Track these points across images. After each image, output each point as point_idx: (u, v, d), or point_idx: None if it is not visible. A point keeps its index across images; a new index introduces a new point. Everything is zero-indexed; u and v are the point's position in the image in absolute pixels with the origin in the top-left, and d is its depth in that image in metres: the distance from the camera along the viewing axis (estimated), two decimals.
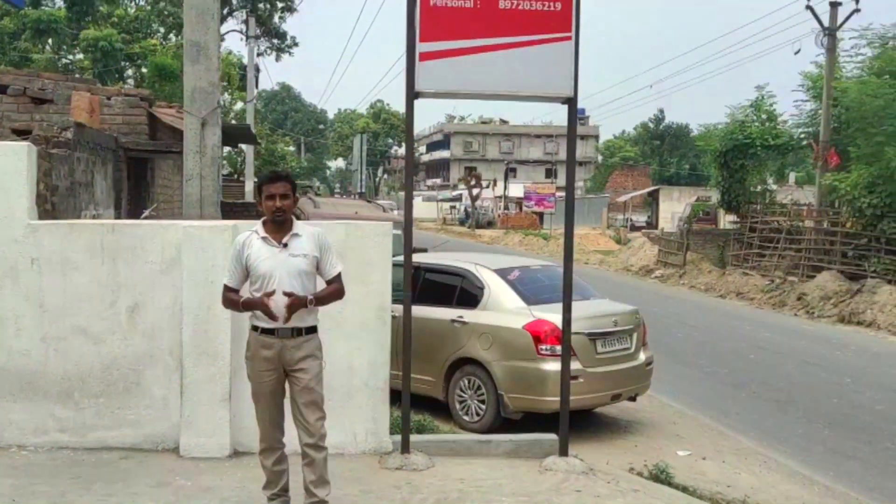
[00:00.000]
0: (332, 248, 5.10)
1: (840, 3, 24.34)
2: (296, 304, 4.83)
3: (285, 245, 4.96)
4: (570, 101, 6.22)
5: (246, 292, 4.99)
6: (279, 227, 5.00)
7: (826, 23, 24.26)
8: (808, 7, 24.50)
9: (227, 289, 5.03)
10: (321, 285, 5.08)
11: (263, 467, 5.15)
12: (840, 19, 24.30)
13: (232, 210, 18.00)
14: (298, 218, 5.49)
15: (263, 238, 4.98)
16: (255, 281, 4.92)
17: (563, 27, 6.09)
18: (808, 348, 14.74)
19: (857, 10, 24.11)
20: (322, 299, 5.00)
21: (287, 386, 5.02)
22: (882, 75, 21.68)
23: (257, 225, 5.11)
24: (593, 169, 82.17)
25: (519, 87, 6.18)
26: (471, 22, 5.96)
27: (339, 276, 5.07)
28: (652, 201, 55.81)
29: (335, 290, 5.08)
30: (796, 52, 25.00)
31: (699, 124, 48.17)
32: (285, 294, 4.82)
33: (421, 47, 5.90)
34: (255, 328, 4.98)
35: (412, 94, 6.03)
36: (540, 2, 6.06)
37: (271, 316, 4.83)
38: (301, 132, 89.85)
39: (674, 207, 47.92)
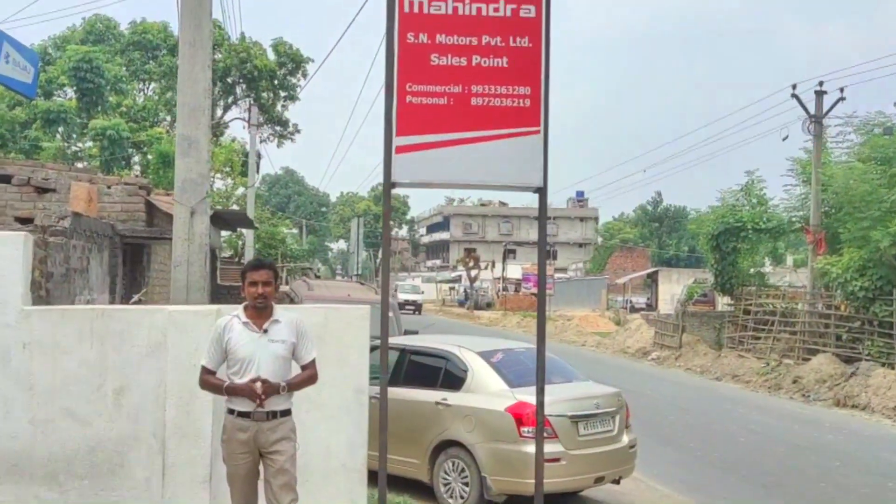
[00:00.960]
0: (308, 335, 5.34)
1: (825, 92, 25.12)
2: (268, 390, 5.04)
3: (266, 331, 5.19)
4: (541, 191, 6.51)
5: (223, 374, 5.19)
6: (260, 313, 5.25)
7: (812, 110, 24.99)
8: (794, 96, 25.28)
9: (204, 370, 5.24)
10: (296, 368, 5.29)
11: None
12: (825, 107, 25.02)
13: (229, 293, 18.28)
14: (292, 300, 5.76)
15: (245, 323, 5.22)
16: (233, 364, 5.12)
17: (533, 122, 6.42)
18: (801, 432, 14.73)
19: (843, 99, 24.88)
20: (294, 385, 5.22)
21: (261, 467, 5.17)
22: (868, 161, 22.22)
23: (238, 309, 5.35)
24: (593, 250, 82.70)
25: (491, 178, 6.48)
26: (444, 117, 6.29)
27: (313, 362, 5.29)
28: (651, 283, 56.10)
29: (308, 377, 5.30)
30: (784, 139, 25.63)
31: (692, 208, 49.08)
32: (260, 381, 5.03)
33: (397, 141, 6.22)
34: (230, 411, 5.17)
35: (389, 185, 6.35)
36: (510, 98, 6.40)
37: (258, 398, 5.02)
38: (304, 215, 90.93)
39: (673, 289, 48.21)
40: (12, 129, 34.98)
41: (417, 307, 54.73)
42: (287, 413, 5.22)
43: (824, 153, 25.03)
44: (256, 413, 5.09)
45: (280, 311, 5.38)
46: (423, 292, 62.39)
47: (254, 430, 5.11)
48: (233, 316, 5.31)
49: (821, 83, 25.20)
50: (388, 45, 6.26)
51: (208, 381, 5.25)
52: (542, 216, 6.66)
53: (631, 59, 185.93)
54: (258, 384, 5.00)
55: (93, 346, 6.60)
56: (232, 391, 5.10)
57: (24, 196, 11.60)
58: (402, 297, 53.41)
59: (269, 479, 5.14)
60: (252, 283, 5.23)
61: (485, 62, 6.34)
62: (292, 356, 5.25)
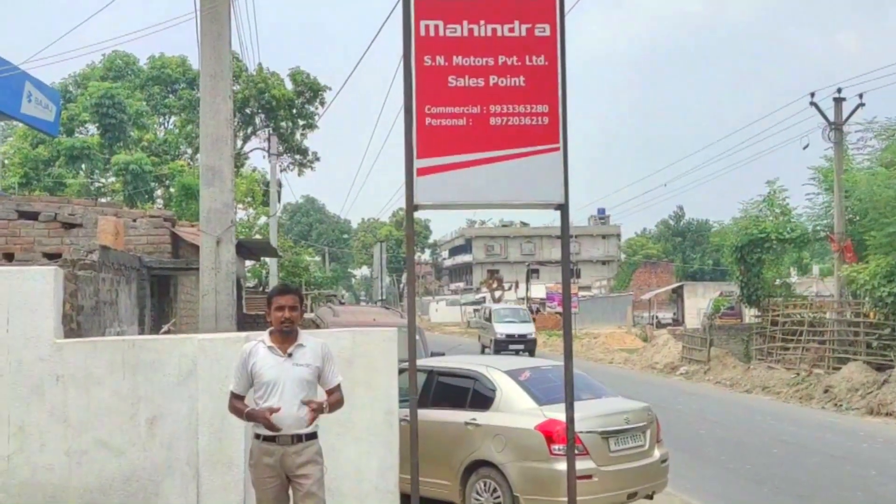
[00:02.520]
0: (334, 359, 5.39)
1: (844, 99, 24.97)
2: (317, 409, 5.12)
3: (290, 355, 5.24)
4: (562, 207, 6.54)
5: (250, 398, 5.25)
6: (285, 338, 5.30)
7: (832, 118, 24.84)
8: (813, 104, 25.14)
9: (233, 395, 5.31)
10: (321, 393, 5.34)
11: None
12: (845, 114, 24.86)
13: (255, 322, 18.39)
14: (318, 327, 5.83)
15: (270, 347, 5.28)
16: (258, 388, 5.18)
17: (552, 139, 6.47)
18: (834, 441, 14.54)
19: (862, 105, 24.72)
20: (332, 406, 5.29)
21: (290, 491, 5.21)
22: (891, 166, 22.04)
23: (264, 335, 5.41)
24: (617, 267, 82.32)
25: (512, 197, 6.52)
26: (464, 138, 6.35)
27: (338, 386, 5.34)
28: (677, 298, 55.72)
29: (339, 400, 5.36)
30: (805, 147, 25.45)
31: (715, 221, 48.49)
32: (304, 402, 5.09)
33: (418, 163, 6.29)
34: (257, 436, 5.22)
35: (412, 207, 6.40)
36: (528, 117, 6.45)
37: (272, 428, 5.08)
38: (326, 242, 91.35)
39: (699, 303, 47.88)
40: (36, 167, 35.58)
41: (529, 346, 34.08)
42: (313, 437, 5.25)
43: (846, 160, 24.87)
44: (281, 437, 5.14)
45: (305, 335, 5.43)
46: (532, 320, 38.71)
47: (279, 454, 5.15)
48: (258, 341, 5.37)
49: (839, 90, 25.11)
50: (406, 69, 6.34)
51: (234, 405, 5.32)
52: (565, 233, 6.69)
53: (645, 73, 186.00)
54: (279, 414, 5.07)
55: (125, 376, 6.68)
56: (251, 416, 5.16)
57: (52, 232, 11.75)
58: (500, 330, 34.81)
59: (298, 502, 5.18)
60: (278, 308, 5.29)
61: (502, 82, 6.41)
62: (317, 380, 5.30)
